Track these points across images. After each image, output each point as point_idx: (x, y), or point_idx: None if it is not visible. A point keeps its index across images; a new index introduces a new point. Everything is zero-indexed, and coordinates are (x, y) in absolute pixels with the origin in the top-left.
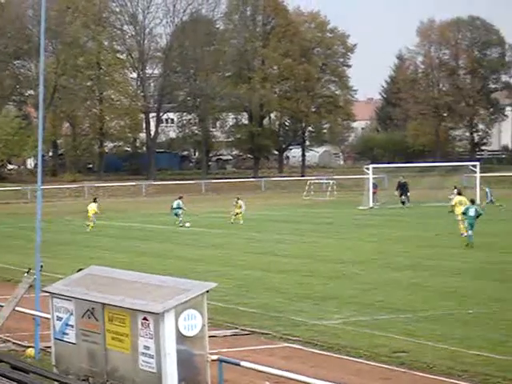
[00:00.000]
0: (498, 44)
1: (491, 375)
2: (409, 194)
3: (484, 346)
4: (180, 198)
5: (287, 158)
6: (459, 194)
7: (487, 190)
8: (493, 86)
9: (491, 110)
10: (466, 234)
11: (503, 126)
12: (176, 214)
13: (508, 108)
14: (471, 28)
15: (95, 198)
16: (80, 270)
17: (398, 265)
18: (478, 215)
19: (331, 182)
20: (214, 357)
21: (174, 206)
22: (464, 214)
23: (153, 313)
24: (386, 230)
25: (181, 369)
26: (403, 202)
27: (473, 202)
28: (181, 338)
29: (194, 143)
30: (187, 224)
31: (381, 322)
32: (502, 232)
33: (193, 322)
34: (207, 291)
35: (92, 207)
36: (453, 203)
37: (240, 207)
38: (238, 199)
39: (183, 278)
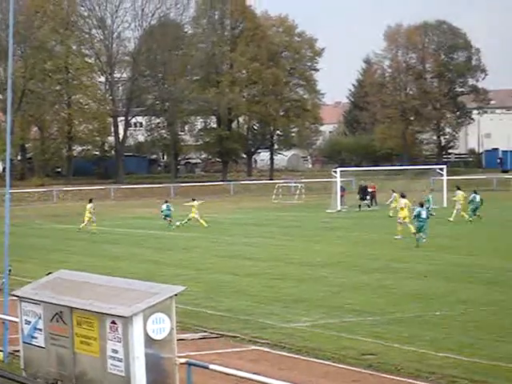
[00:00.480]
0: (464, 48)
1: (458, 377)
2: (368, 197)
3: (451, 348)
4: (166, 201)
5: (255, 161)
6: (403, 196)
7: (430, 196)
8: (459, 90)
9: (458, 113)
10: (417, 236)
11: (470, 130)
12: (166, 216)
13: (474, 111)
14: (438, 32)
15: (91, 199)
16: (49, 273)
17: (366, 267)
18: (428, 217)
19: (299, 185)
20: (183, 360)
21: (164, 208)
22: (416, 216)
23: (121, 316)
24: (353, 233)
25: (149, 372)
26: (360, 206)
27: (422, 204)
28: (149, 341)
29: (163, 147)
30: (177, 223)
31: (349, 325)
32: (467, 234)
33: (161, 326)
34: (175, 295)
35: (89, 207)
36: (395, 205)
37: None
38: (194, 200)
39: (152, 282)
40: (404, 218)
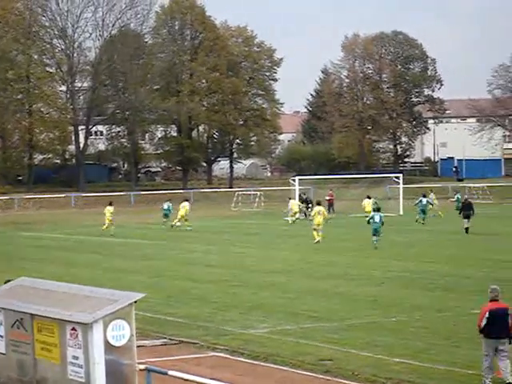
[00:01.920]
0: (420, 58)
1: (414, 382)
2: (310, 206)
3: (407, 353)
4: (168, 200)
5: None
6: (318, 204)
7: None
8: (415, 100)
9: (414, 122)
10: (373, 238)
11: (425, 139)
12: (166, 215)
13: (430, 121)
14: (394, 42)
15: (111, 202)
16: (8, 281)
17: (323, 274)
18: (382, 223)
19: (258, 193)
20: (142, 366)
21: (165, 207)
22: (370, 220)
23: (81, 323)
24: (311, 241)
25: (109, 378)
26: (305, 214)
27: (378, 209)
28: (109, 347)
29: (123, 155)
30: (178, 223)
31: (306, 331)
32: (423, 242)
33: (121, 332)
34: (135, 301)
35: (109, 210)
36: (312, 213)
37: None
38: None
39: (112, 289)
40: (318, 225)
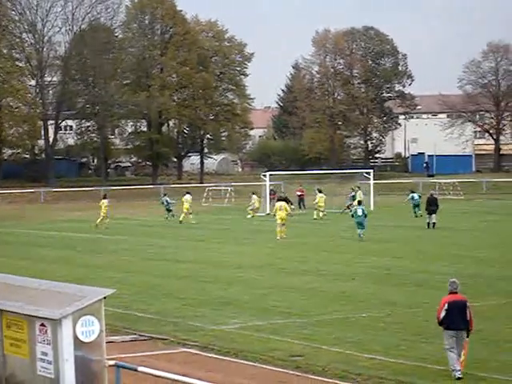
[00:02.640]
0: (391, 54)
1: (385, 378)
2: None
3: (378, 349)
4: (165, 194)
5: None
6: (279, 200)
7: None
8: (386, 95)
9: (385, 118)
10: (358, 231)
11: (396, 134)
12: (168, 210)
13: (401, 117)
14: (365, 38)
15: (105, 195)
16: None
17: (294, 270)
18: (365, 215)
19: (229, 188)
20: (112, 362)
21: (164, 202)
22: (354, 214)
23: (50, 319)
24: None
25: (78, 374)
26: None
27: (359, 203)
28: (78, 343)
29: (93, 150)
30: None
31: (277, 327)
32: (395, 238)
33: (90, 328)
34: (105, 297)
35: (104, 203)
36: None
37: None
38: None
39: (81, 285)
40: (281, 220)
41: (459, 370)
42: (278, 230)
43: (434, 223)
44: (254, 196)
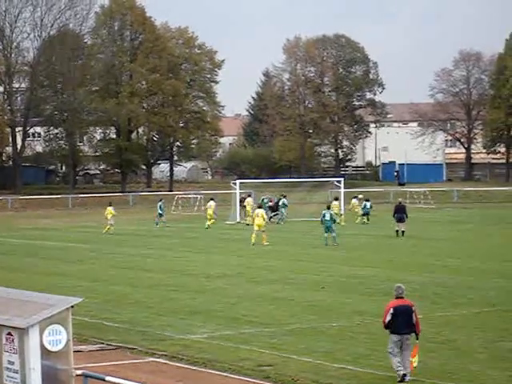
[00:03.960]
0: (362, 62)
1: None
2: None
3: (347, 359)
4: (161, 200)
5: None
6: (259, 207)
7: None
8: (357, 103)
9: (355, 126)
10: (325, 235)
11: (367, 143)
12: (160, 215)
13: (372, 125)
14: (336, 46)
15: (110, 202)
16: None
17: (264, 279)
18: (334, 220)
19: (199, 196)
20: (79, 371)
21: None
22: (322, 218)
23: (17, 328)
24: (251, 245)
25: (46, 383)
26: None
27: (328, 207)
28: (45, 352)
29: (61, 157)
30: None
31: (246, 336)
32: (362, 246)
33: (57, 337)
34: (72, 306)
35: (110, 210)
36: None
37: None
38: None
39: (49, 293)
40: (258, 227)
41: (403, 369)
42: (253, 235)
43: (403, 231)
44: (212, 202)
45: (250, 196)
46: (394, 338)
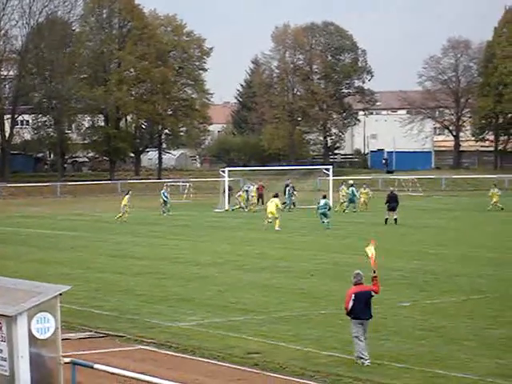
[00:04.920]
0: (350, 49)
1: (343, 375)
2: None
3: (336, 346)
4: (165, 186)
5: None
6: (275, 196)
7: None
8: (346, 91)
9: (344, 114)
10: (324, 220)
11: (356, 131)
12: (165, 202)
13: (360, 113)
14: (325, 33)
15: (128, 191)
16: None
17: (253, 266)
18: (328, 208)
19: (188, 184)
20: (67, 359)
21: (164, 194)
22: (318, 206)
23: (5, 316)
24: (241, 233)
25: (34, 371)
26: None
27: (324, 196)
28: (34, 340)
29: (50, 145)
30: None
31: (235, 324)
32: (352, 234)
33: (46, 325)
34: (60, 294)
35: (126, 198)
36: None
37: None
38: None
39: (38, 281)
40: (272, 214)
41: (368, 359)
42: (277, 222)
43: (395, 219)
44: (127, 195)
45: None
46: (357, 323)
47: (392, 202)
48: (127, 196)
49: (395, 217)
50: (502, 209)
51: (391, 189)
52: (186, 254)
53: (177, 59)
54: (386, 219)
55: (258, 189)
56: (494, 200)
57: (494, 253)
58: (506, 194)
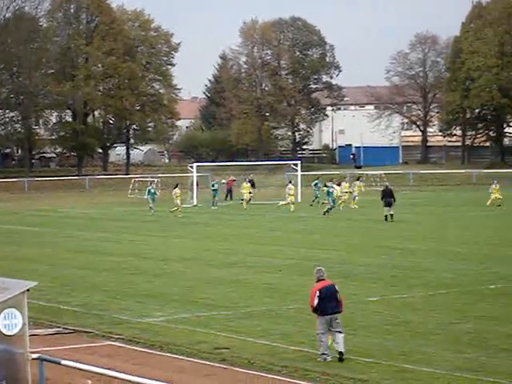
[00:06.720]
0: (318, 45)
1: (310, 370)
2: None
3: (304, 341)
4: (151, 183)
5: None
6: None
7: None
8: (314, 87)
9: (312, 109)
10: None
11: (324, 126)
12: (152, 199)
13: (328, 108)
14: (293, 29)
15: (177, 184)
16: None
17: (222, 262)
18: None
19: (156, 180)
20: (35, 355)
21: (152, 191)
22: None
23: None
24: (209, 228)
25: (1, 367)
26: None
27: (325, 185)
28: (1, 336)
29: (17, 141)
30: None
31: (203, 319)
32: (323, 229)
33: (13, 321)
34: (28, 290)
35: (176, 192)
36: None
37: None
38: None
39: (4, 277)
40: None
41: (329, 355)
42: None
43: (391, 215)
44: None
45: (246, 180)
46: (323, 320)
47: (387, 198)
48: (177, 189)
49: (391, 212)
50: (499, 205)
51: (386, 184)
52: (154, 249)
53: (144, 54)
54: (386, 216)
55: (227, 183)
56: (496, 196)
57: (461, 247)
58: (473, 188)
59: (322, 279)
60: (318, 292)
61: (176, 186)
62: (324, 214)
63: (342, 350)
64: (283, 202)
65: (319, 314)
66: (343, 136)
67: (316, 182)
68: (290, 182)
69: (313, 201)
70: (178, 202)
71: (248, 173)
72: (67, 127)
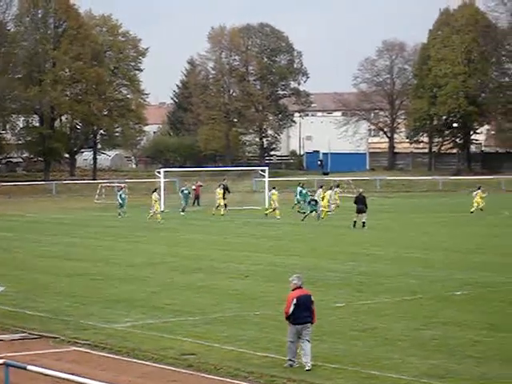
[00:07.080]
0: (286, 51)
1: (277, 376)
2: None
3: (270, 347)
4: (121, 188)
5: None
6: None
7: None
8: (281, 93)
9: (280, 115)
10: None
11: (291, 132)
12: (121, 205)
13: (296, 114)
14: (261, 35)
15: (156, 189)
16: None
17: (188, 268)
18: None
19: (123, 185)
20: (0, 361)
21: (122, 196)
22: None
23: None
24: (177, 234)
25: None
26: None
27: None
28: None
29: None
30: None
31: (169, 325)
32: (290, 235)
33: None
34: None
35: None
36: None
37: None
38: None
39: None
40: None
41: (296, 361)
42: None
43: (363, 222)
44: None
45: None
46: (294, 330)
47: (359, 204)
48: (155, 194)
49: (363, 220)
50: (481, 209)
51: (360, 190)
52: (121, 255)
53: (112, 59)
54: (355, 222)
55: (194, 189)
56: (478, 201)
57: (427, 254)
58: (439, 195)
59: (300, 287)
60: (295, 299)
61: (155, 191)
62: (303, 219)
63: (307, 363)
64: (270, 210)
65: (291, 322)
66: (311, 142)
67: (300, 189)
68: (274, 188)
69: (294, 205)
70: (157, 206)
71: (221, 178)
72: (34, 132)
